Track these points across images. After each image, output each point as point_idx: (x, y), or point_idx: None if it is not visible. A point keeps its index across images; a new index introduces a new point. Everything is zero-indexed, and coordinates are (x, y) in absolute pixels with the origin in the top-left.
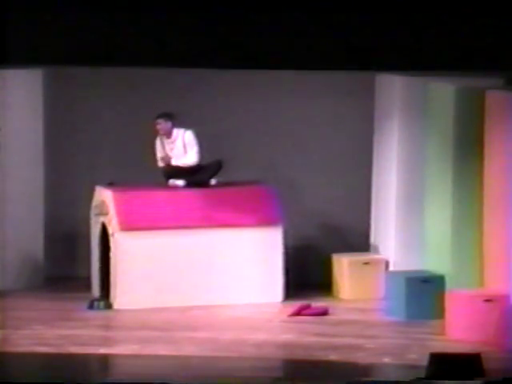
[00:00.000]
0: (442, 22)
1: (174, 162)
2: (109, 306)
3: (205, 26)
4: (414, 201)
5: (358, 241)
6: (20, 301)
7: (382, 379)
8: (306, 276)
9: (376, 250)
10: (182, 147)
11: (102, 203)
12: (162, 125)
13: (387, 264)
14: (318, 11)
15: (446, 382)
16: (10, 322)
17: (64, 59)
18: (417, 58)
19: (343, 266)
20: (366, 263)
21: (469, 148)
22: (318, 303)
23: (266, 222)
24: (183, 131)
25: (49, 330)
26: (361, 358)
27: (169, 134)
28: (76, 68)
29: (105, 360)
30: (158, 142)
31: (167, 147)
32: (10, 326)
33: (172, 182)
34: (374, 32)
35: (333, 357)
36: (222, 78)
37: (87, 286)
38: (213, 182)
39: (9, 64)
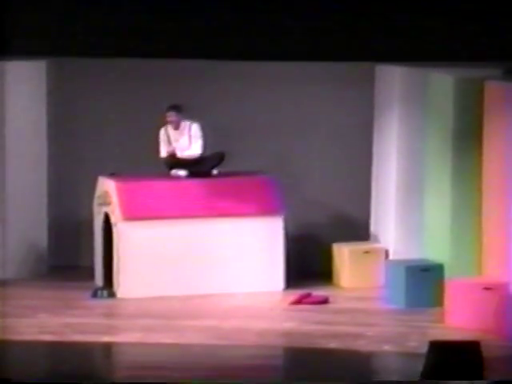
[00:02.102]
0: (441, 12)
1: (178, 154)
2: (112, 295)
3: (206, 16)
4: (413, 190)
5: (359, 230)
6: (24, 289)
7: (384, 368)
8: (307, 265)
9: (376, 239)
10: (187, 139)
11: (105, 193)
12: (173, 117)
13: (387, 253)
14: (319, 1)
15: (452, 382)
16: (14, 310)
17: (63, 50)
18: (416, 47)
19: (344, 254)
20: (366, 252)
21: (468, 138)
22: (318, 292)
23: (268, 211)
24: (189, 123)
25: (52, 319)
26: (361, 346)
27: (177, 126)
28: (75, 59)
29: (108, 348)
30: (162, 133)
31: (172, 138)
32: (14, 314)
33: (174, 172)
34: (373, 21)
35: (333, 345)
36: (222, 70)
37: (90, 275)
38: (214, 172)
39: (8, 55)
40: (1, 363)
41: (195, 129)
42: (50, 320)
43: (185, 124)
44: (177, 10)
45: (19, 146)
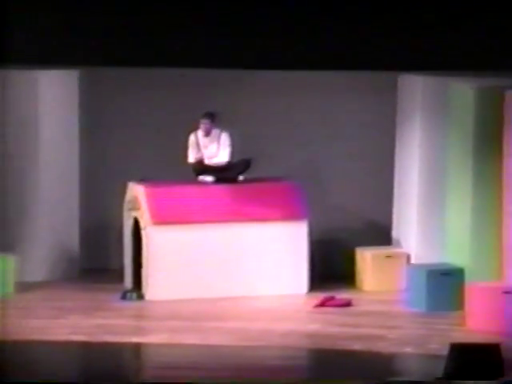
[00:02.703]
0: (463, 22)
1: (206, 161)
2: (141, 297)
3: (224, 27)
4: (434, 196)
5: (381, 235)
6: (56, 291)
7: (405, 369)
8: (331, 268)
9: (398, 244)
10: (216, 146)
11: (135, 198)
12: (207, 124)
13: (409, 257)
14: (341, 11)
15: (468, 382)
16: (46, 311)
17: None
18: (438, 57)
19: (366, 259)
20: (389, 256)
21: (488, 145)
22: (341, 295)
23: (292, 216)
24: (220, 131)
25: (84, 320)
26: (383, 348)
27: (208, 133)
28: (107, 68)
29: (137, 348)
30: (192, 139)
31: (202, 144)
32: (47, 315)
33: (202, 178)
34: (396, 32)
35: (356, 346)
36: (250, 78)
37: (120, 278)
38: (241, 178)
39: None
40: (34, 363)
41: (225, 137)
42: (81, 321)
43: (215, 132)
44: (198, 20)
45: (52, 152)
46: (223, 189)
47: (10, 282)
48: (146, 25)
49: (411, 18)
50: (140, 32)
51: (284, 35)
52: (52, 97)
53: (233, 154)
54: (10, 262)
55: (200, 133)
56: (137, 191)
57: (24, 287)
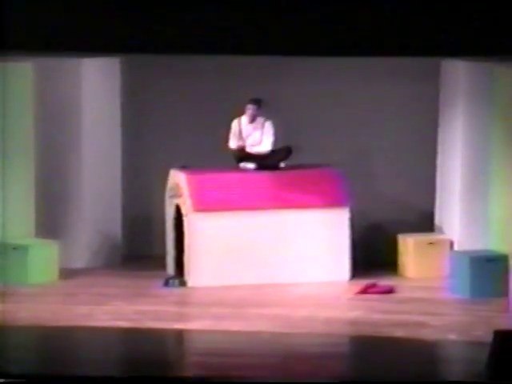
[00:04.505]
0: (507, 5)
1: (247, 149)
2: (183, 284)
3: (263, 14)
4: (478, 181)
5: (424, 221)
6: (100, 278)
7: (449, 356)
8: (373, 255)
9: (441, 231)
10: (259, 135)
11: (176, 185)
12: (252, 110)
13: (451, 244)
14: None
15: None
16: (90, 297)
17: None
18: (482, 42)
19: (409, 245)
20: (431, 243)
21: None
22: (384, 282)
23: (334, 203)
24: (264, 119)
25: (127, 306)
26: (426, 335)
27: (252, 120)
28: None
29: (179, 335)
30: (235, 124)
31: (244, 131)
32: (90, 301)
33: (243, 165)
34: (438, 17)
35: (399, 333)
36: (291, 65)
37: (162, 265)
38: (282, 165)
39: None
40: (79, 349)
41: (269, 126)
42: (124, 307)
43: (260, 119)
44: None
45: (94, 140)
46: (264, 176)
47: (54, 269)
48: (183, 11)
49: (455, 2)
50: (176, 18)
51: (327, 21)
52: (94, 85)
53: (275, 142)
54: (54, 248)
55: (243, 119)
56: (178, 178)
57: (68, 273)
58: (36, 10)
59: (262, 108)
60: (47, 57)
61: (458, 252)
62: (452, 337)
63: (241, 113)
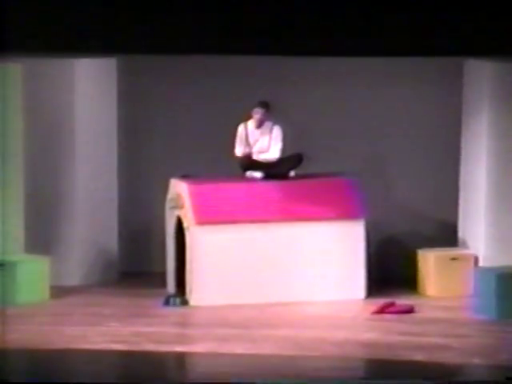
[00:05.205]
0: None
1: (254, 156)
2: (185, 303)
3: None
4: (504, 192)
5: (446, 235)
6: (95, 297)
7: (473, 382)
8: (390, 272)
9: (464, 245)
10: (267, 141)
11: (177, 196)
12: (260, 114)
13: (476, 259)
14: None
15: None
16: (84, 318)
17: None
18: (507, 42)
19: (429, 261)
20: (454, 259)
21: None
22: (402, 301)
23: (348, 215)
24: (272, 124)
25: (124, 327)
26: (448, 359)
27: (260, 124)
28: (146, 56)
29: (181, 358)
30: (240, 130)
31: (251, 137)
32: (84, 322)
33: (249, 173)
34: (462, 16)
35: (419, 357)
36: (300, 66)
37: (162, 282)
38: (291, 174)
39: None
40: (72, 372)
41: (277, 131)
42: (121, 329)
43: (268, 124)
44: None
45: (89, 147)
46: (273, 185)
47: (44, 287)
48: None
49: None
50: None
51: (346, 21)
52: (88, 88)
53: (284, 149)
54: (45, 264)
55: (250, 124)
56: (180, 188)
57: (60, 292)
58: (31, 10)
59: (270, 112)
60: (42, 58)
61: (483, 268)
62: (476, 361)
63: (247, 117)
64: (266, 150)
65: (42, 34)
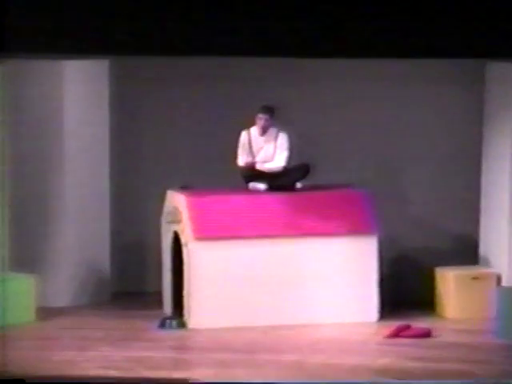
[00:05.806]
0: None
1: (258, 166)
2: (182, 325)
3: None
4: None
5: (465, 252)
6: (85, 319)
7: None
8: (405, 292)
9: (486, 262)
10: (272, 149)
11: (175, 209)
12: (264, 120)
13: (499, 278)
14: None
15: None
16: (73, 342)
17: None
18: None
19: (448, 280)
20: (475, 278)
21: None
22: (418, 323)
23: (359, 230)
24: (277, 131)
25: (117, 352)
26: None
27: (264, 131)
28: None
29: None
30: (243, 136)
31: (255, 144)
32: (74, 347)
33: (253, 185)
34: (486, 18)
35: None
36: (308, 69)
37: (158, 303)
38: (298, 185)
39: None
40: None
41: (283, 138)
42: (114, 353)
43: (272, 130)
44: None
45: (79, 155)
46: (278, 198)
47: (30, 308)
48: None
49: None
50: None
51: (360, 22)
52: (79, 92)
53: (290, 158)
54: (30, 283)
55: (253, 131)
56: (177, 201)
57: (47, 313)
58: (26, 10)
59: (275, 118)
60: (33, 59)
61: (506, 288)
62: None
63: (250, 123)
64: (271, 159)
65: (41, 34)
